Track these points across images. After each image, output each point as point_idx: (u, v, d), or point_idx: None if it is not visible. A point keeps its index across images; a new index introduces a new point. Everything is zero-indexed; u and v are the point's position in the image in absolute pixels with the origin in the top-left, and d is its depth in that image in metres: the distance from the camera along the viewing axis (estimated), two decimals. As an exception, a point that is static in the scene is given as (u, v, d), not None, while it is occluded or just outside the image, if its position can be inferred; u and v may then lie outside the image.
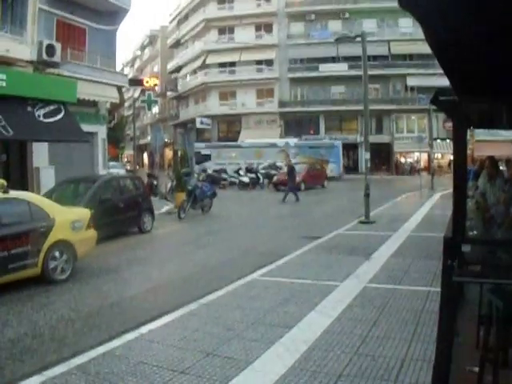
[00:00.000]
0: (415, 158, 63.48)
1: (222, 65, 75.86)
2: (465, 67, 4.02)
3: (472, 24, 3.03)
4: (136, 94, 52.45)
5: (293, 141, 59.47)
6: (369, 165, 24.10)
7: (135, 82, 50.12)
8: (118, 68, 48.43)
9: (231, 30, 75.65)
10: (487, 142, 46.97)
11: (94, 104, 29.12)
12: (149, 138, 74.16)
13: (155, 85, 44.14)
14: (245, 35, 72.41)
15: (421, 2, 2.71)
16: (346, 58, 64.65)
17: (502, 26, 3.00)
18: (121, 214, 19.22)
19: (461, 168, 4.92)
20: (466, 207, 6.24)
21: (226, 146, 49.10)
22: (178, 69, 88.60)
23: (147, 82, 43.89)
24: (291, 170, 34.33)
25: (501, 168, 11.65)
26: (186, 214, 24.52)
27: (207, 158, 50.50)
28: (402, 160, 69.44)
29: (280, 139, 62.92)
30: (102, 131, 30.77)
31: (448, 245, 4.49)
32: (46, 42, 24.68)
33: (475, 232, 8.45)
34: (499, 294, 5.25)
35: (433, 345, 5.93)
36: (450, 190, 5.27)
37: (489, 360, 5.37)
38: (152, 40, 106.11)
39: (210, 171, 49.11)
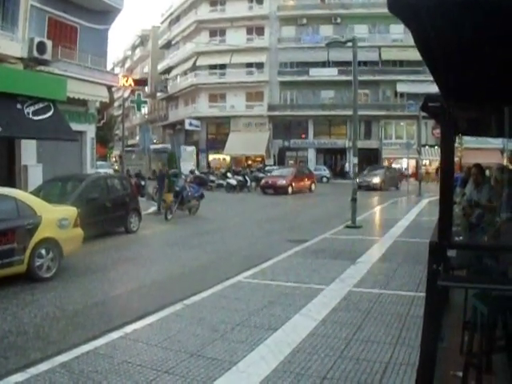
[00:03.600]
0: (403, 165, 63.73)
1: (213, 67, 75.66)
2: (453, 74, 4.05)
3: (460, 31, 3.05)
4: (126, 94, 52.25)
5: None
6: (357, 170, 24.14)
7: (139, 82, 50.06)
8: (109, 67, 48.29)
9: (222, 32, 75.56)
10: (476, 150, 47.31)
11: (84, 103, 29.05)
12: (137, 138, 73.99)
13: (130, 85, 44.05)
14: (236, 38, 72.42)
15: (410, 7, 2.73)
16: (337, 63, 64.90)
17: (489, 33, 3.03)
18: (108, 214, 19.20)
19: (447, 173, 4.95)
20: (453, 213, 6.27)
21: None
22: (169, 70, 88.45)
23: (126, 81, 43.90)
24: (162, 177, 30.52)
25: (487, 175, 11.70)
26: (172, 215, 24.48)
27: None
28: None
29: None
30: (90, 130, 30.69)
31: (433, 249, 4.50)
32: (37, 40, 24.60)
33: (461, 238, 8.50)
34: (484, 300, 5.29)
35: (417, 349, 5.96)
36: (437, 197, 5.29)
37: (473, 365, 5.41)
38: (143, 40, 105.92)
39: (197, 173, 49.44)
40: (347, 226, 21.16)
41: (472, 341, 5.59)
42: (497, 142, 43.13)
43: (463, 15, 2.80)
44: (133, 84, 38.81)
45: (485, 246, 7.18)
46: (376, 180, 49.62)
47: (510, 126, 7.32)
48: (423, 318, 4.77)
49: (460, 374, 5.50)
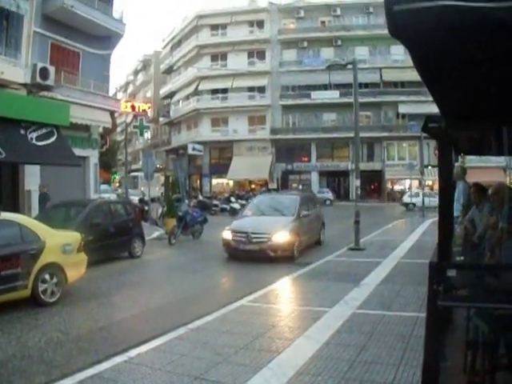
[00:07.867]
0: (406, 185, 63.69)
1: (215, 91, 76.01)
2: (452, 94, 4.10)
3: (458, 53, 3.10)
4: (128, 119, 52.40)
5: None
6: (359, 192, 24.09)
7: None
8: (111, 92, 48.50)
9: (224, 57, 75.98)
10: (479, 169, 47.26)
11: (87, 128, 29.21)
12: (140, 163, 74.15)
13: (144, 110, 44.49)
14: (237, 62, 72.80)
15: (409, 30, 2.77)
16: (338, 86, 65.14)
17: (489, 55, 3.07)
18: (111, 239, 19.17)
19: (446, 193, 4.98)
20: (454, 233, 6.29)
21: None
22: (171, 94, 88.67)
23: (138, 107, 44.35)
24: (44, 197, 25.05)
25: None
26: (176, 239, 24.45)
27: None
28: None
29: None
30: (94, 156, 30.83)
31: (433, 270, 4.52)
32: (39, 65, 24.84)
33: (462, 258, 8.50)
34: (485, 319, 5.30)
35: (420, 370, 5.96)
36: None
37: (476, 384, 5.41)
38: (145, 65, 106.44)
39: (201, 197, 49.57)
40: (350, 249, 21.09)
41: (475, 360, 5.59)
42: (500, 160, 43.18)
43: (461, 37, 2.84)
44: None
45: (485, 266, 7.19)
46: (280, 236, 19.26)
47: (510, 144, 7.36)
48: (424, 338, 4.79)
49: (463, 393, 5.50)
